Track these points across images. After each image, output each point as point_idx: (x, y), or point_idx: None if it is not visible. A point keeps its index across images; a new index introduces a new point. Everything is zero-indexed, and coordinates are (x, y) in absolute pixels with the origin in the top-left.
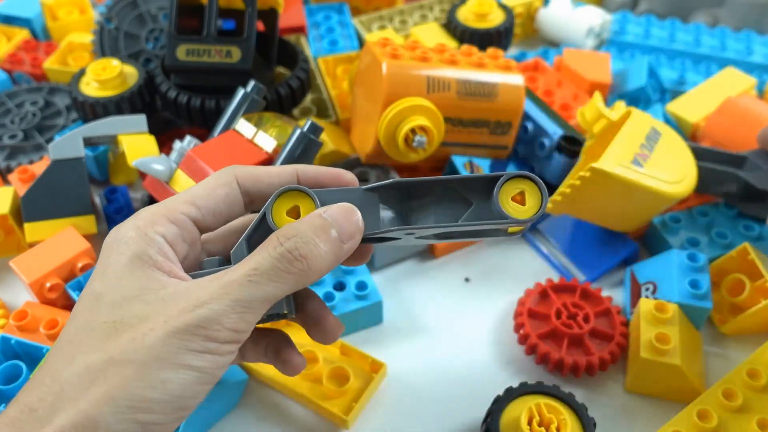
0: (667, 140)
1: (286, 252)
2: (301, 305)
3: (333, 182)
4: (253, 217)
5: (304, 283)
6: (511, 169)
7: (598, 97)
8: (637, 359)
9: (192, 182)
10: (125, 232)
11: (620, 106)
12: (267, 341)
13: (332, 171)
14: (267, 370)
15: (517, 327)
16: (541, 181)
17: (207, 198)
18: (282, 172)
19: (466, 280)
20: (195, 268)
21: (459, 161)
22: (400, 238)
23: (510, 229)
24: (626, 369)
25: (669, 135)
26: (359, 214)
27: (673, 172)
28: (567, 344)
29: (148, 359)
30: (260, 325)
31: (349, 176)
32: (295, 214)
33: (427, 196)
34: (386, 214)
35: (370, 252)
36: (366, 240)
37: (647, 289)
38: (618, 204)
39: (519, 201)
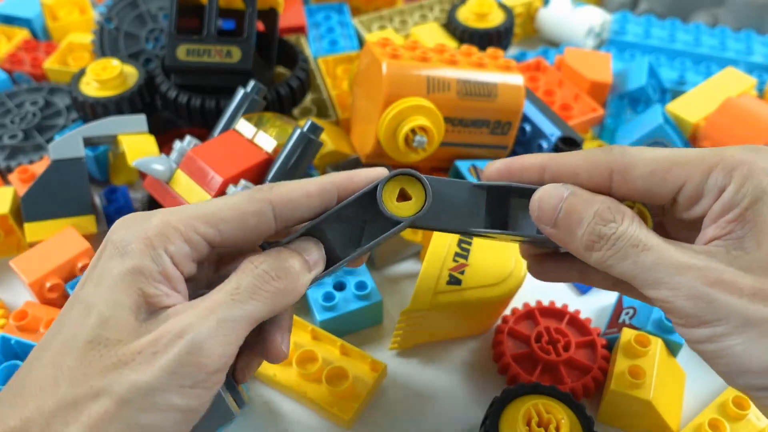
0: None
1: (262, 272)
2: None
3: (368, 183)
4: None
5: (283, 302)
6: None
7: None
8: (608, 390)
9: (192, 183)
10: (132, 237)
11: None
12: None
13: (367, 173)
14: (267, 369)
15: (495, 343)
16: (412, 170)
17: (233, 224)
18: (323, 193)
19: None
20: (201, 286)
21: (464, 166)
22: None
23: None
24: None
25: None
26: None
27: (495, 272)
28: (540, 370)
29: (133, 398)
30: None
31: (379, 170)
32: (402, 198)
33: (325, 234)
34: None
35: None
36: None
37: (627, 314)
38: (457, 318)
39: (403, 197)
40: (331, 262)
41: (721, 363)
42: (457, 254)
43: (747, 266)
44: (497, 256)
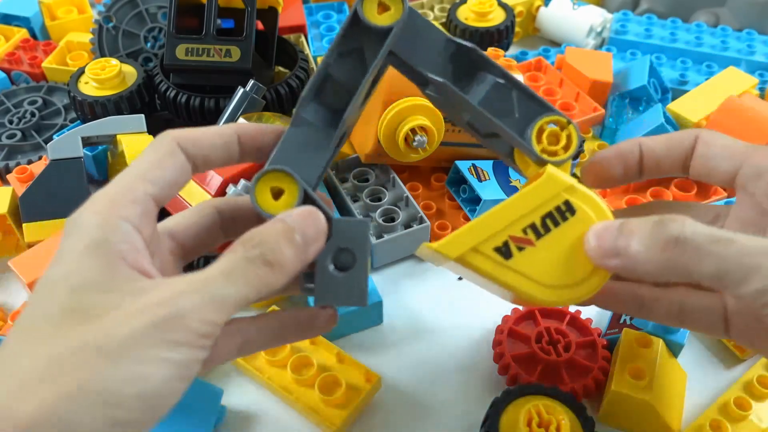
0: (577, 223)
1: (254, 258)
2: None
3: (275, 140)
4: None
5: (272, 287)
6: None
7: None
8: (609, 391)
9: (192, 182)
10: (84, 219)
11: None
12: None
13: (275, 128)
14: (262, 371)
15: (495, 344)
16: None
17: (158, 170)
18: (223, 133)
19: (459, 278)
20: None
21: (464, 166)
22: None
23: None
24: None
25: (586, 216)
26: (322, 217)
27: (561, 274)
28: (540, 371)
29: (124, 350)
30: None
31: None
32: (277, 194)
33: (334, 78)
34: None
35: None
36: None
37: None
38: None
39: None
40: (346, 98)
41: None
42: (531, 226)
43: None
44: (578, 256)
